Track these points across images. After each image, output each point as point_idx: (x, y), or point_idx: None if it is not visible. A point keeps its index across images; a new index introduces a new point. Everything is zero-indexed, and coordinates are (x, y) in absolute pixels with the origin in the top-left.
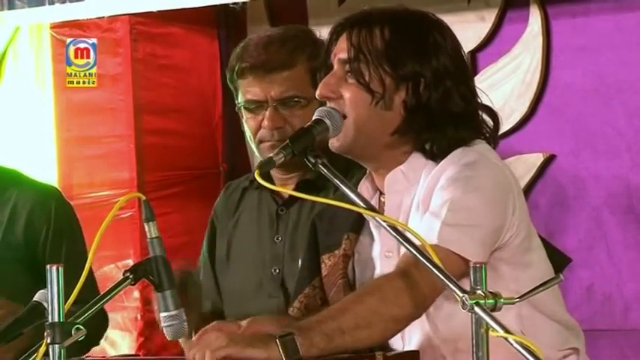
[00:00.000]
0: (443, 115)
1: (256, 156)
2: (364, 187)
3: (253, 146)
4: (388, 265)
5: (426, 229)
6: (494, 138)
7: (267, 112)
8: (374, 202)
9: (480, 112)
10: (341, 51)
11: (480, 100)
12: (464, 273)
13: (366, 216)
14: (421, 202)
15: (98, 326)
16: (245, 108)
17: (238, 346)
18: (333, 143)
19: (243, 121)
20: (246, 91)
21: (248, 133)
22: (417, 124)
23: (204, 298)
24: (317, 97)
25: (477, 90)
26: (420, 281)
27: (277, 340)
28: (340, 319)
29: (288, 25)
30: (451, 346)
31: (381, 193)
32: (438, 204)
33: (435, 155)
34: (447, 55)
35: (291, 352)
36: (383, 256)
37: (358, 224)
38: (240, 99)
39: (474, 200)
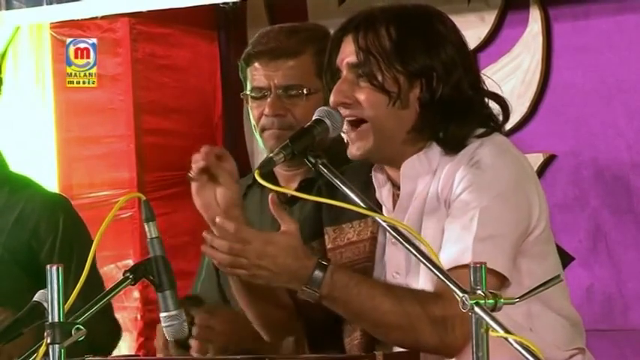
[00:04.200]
0: (456, 106)
1: (256, 155)
2: (377, 174)
3: (257, 136)
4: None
5: (459, 244)
6: (503, 125)
7: (269, 99)
8: (386, 191)
9: (487, 100)
10: (348, 55)
11: (487, 88)
12: (495, 285)
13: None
14: (440, 192)
15: (108, 334)
16: (251, 96)
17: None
18: (354, 152)
19: (249, 109)
20: (253, 78)
21: (252, 123)
22: (433, 119)
23: (205, 299)
24: (331, 105)
25: (485, 77)
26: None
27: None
28: (376, 299)
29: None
30: None
31: (393, 184)
32: (467, 214)
33: (452, 146)
34: (452, 45)
35: (314, 285)
36: (390, 275)
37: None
38: (248, 87)
39: (500, 207)
